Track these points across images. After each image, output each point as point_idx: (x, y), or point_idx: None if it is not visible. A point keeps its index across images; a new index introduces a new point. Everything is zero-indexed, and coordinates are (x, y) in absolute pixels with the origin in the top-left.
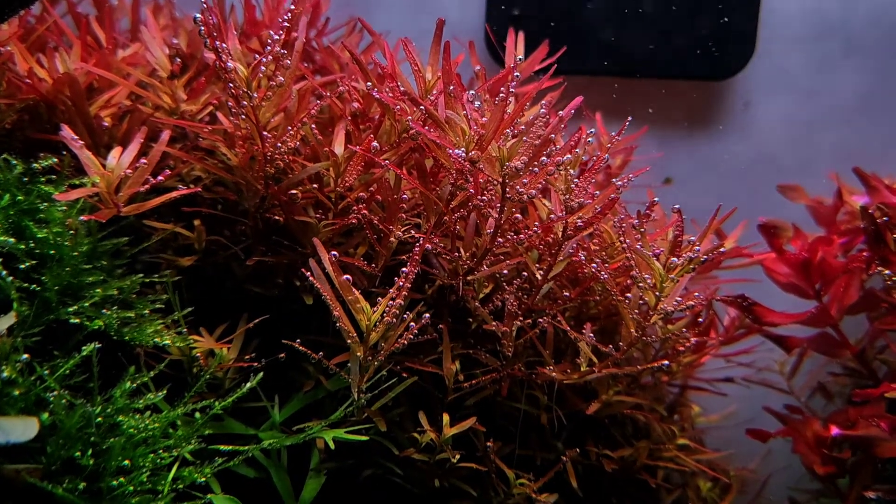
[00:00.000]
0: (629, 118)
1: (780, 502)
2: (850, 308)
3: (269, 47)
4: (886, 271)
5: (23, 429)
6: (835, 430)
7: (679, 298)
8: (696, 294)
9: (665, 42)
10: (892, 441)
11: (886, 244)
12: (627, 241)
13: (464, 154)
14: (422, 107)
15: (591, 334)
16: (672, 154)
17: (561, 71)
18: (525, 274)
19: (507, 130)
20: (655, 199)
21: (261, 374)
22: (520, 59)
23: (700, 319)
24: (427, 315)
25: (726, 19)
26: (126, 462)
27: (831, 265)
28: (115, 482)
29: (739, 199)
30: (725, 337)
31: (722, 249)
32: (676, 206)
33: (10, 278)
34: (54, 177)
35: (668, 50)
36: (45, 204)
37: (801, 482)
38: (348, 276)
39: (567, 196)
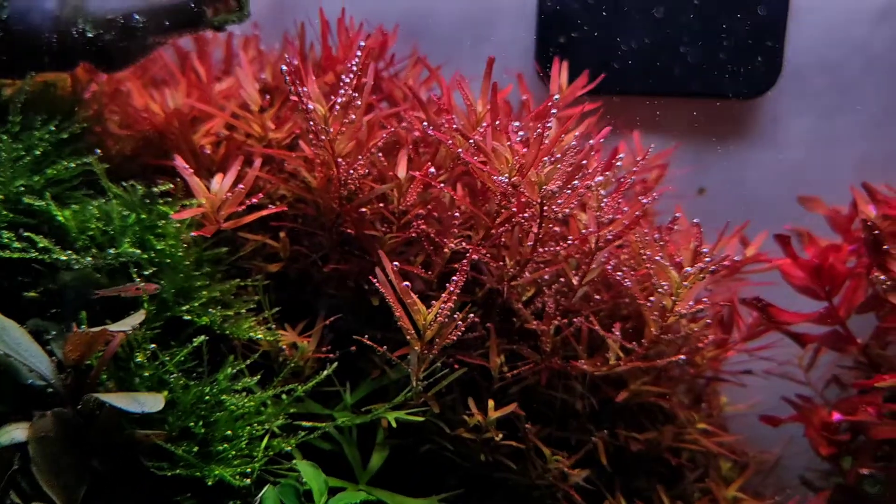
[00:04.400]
0: (659, 139)
1: (795, 481)
2: (859, 308)
3: (342, 89)
4: (882, 276)
5: (153, 402)
6: (836, 416)
7: (692, 302)
8: (705, 300)
9: (697, 63)
10: (883, 425)
11: (883, 252)
12: (648, 252)
13: (506, 180)
14: (471, 140)
15: (619, 333)
16: (705, 167)
17: (603, 92)
18: (563, 279)
19: (546, 158)
20: (677, 214)
21: (335, 363)
22: (566, 83)
23: (724, 318)
24: (473, 315)
25: (754, 42)
26: (229, 432)
27: (839, 270)
28: (220, 448)
29: (768, 208)
30: (747, 334)
31: (739, 257)
32: (696, 220)
33: (141, 283)
34: (170, 199)
35: (700, 71)
36: (162, 221)
37: (814, 465)
38: (408, 283)
39: (599, 213)
